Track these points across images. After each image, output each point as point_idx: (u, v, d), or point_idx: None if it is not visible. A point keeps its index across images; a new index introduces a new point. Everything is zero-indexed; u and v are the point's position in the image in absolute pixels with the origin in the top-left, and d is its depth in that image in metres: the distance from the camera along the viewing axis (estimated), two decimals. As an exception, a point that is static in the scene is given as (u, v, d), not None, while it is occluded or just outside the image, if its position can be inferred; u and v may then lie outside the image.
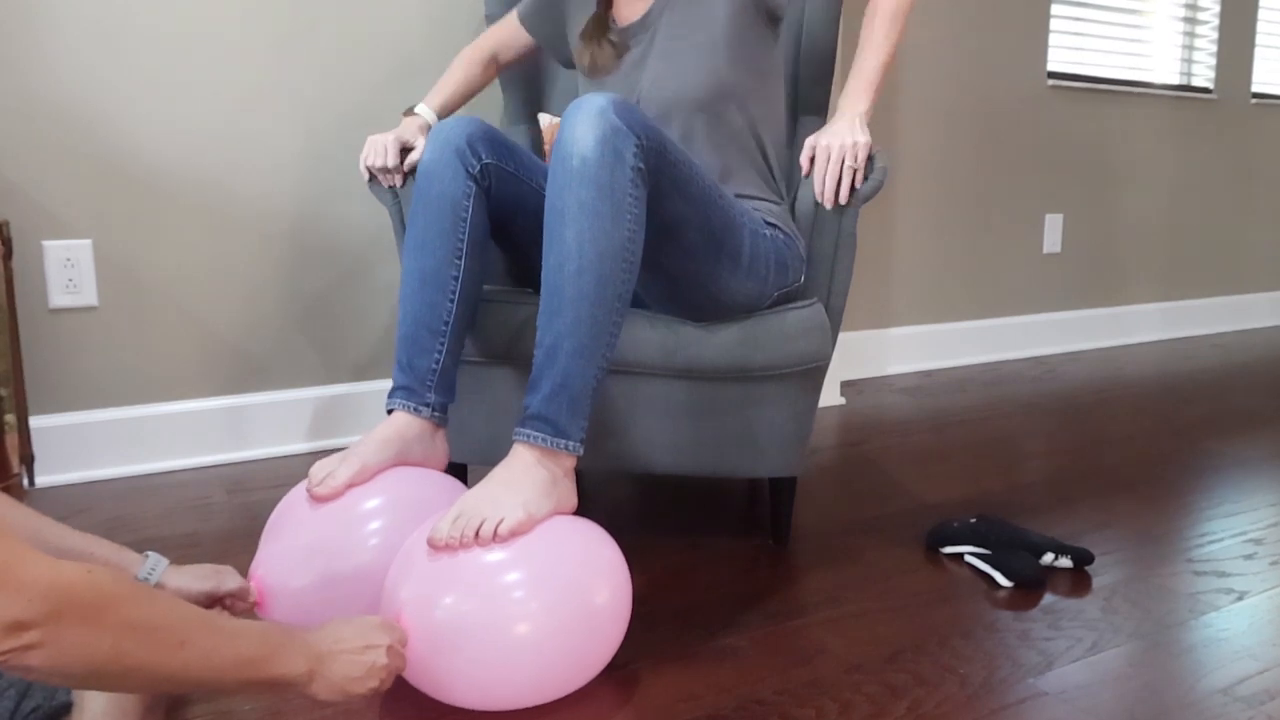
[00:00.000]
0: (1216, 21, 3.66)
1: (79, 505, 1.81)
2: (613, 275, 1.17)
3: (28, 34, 1.83)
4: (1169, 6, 3.55)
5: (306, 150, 2.09)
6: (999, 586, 1.46)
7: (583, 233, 1.16)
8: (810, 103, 1.83)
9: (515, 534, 1.07)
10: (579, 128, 1.18)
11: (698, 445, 1.50)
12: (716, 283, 1.38)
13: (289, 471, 2.01)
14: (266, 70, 2.03)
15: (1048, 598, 1.42)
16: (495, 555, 1.04)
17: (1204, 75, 3.71)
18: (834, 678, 1.19)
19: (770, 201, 1.52)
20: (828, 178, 1.45)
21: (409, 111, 1.64)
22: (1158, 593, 1.44)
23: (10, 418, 1.84)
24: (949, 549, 1.58)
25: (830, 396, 2.63)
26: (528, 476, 1.13)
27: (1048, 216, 3.35)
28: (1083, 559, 1.51)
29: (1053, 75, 3.27)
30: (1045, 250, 3.37)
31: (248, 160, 2.04)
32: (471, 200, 1.35)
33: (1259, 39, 3.85)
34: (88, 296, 1.93)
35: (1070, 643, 1.28)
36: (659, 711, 1.11)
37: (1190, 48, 3.66)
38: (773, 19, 1.50)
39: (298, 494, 1.25)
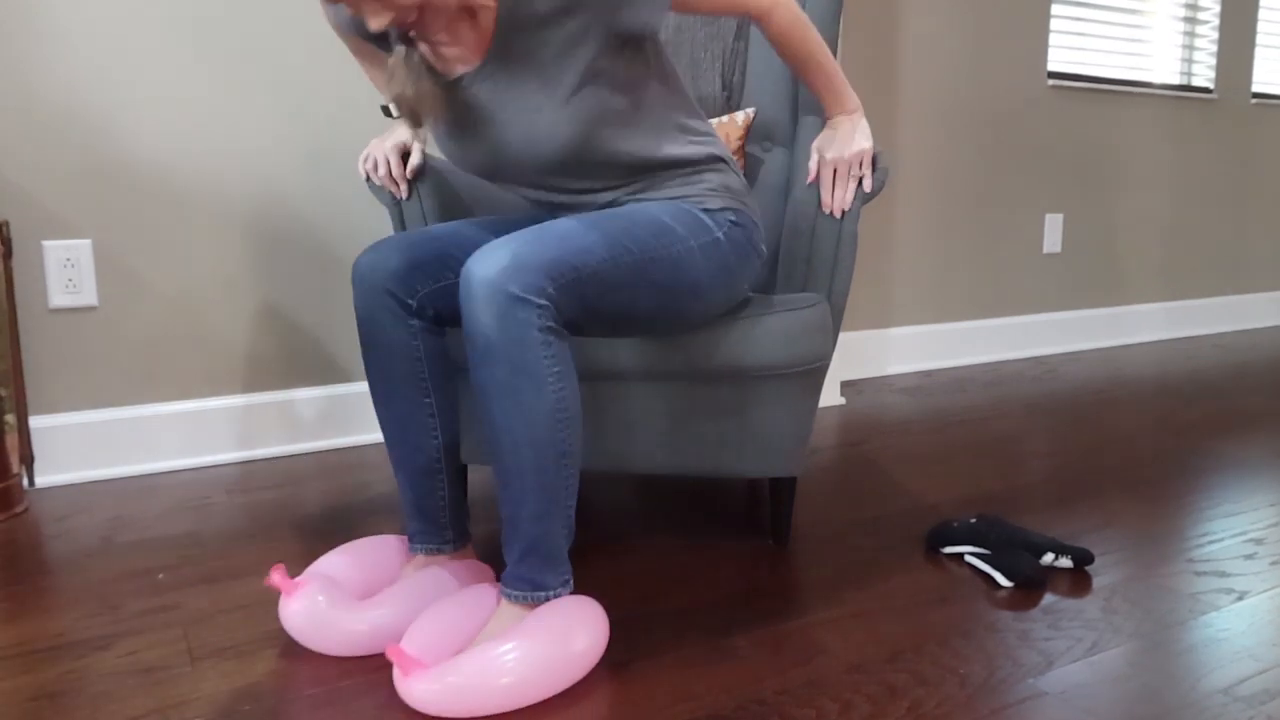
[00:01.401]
0: (1216, 21, 3.66)
1: (79, 505, 1.81)
2: (548, 440, 1.15)
3: (28, 35, 1.83)
4: (1169, 6, 3.55)
5: (306, 150, 2.09)
6: (999, 586, 1.46)
7: (507, 411, 1.14)
8: (810, 102, 1.83)
9: None
10: (476, 308, 1.11)
11: (698, 446, 1.50)
12: (688, 315, 1.34)
13: (289, 471, 2.02)
14: (266, 70, 2.03)
15: (1048, 598, 1.42)
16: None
17: (1204, 75, 3.71)
18: (834, 678, 1.19)
19: (700, 172, 1.35)
20: (837, 191, 1.43)
21: (387, 111, 1.58)
22: (1158, 593, 1.44)
23: (10, 418, 1.84)
24: (949, 549, 1.58)
25: (830, 396, 2.63)
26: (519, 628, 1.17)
27: (1048, 216, 3.35)
28: (1083, 559, 1.51)
29: (1053, 75, 3.27)
30: (1045, 250, 3.37)
31: (247, 160, 2.04)
32: (420, 338, 1.31)
33: (1259, 39, 3.85)
34: (88, 296, 1.93)
35: (1070, 643, 1.28)
36: (659, 711, 1.11)
37: (1190, 48, 3.66)
38: (637, 44, 1.25)
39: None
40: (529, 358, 1.12)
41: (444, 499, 1.35)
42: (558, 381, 1.15)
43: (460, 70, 1.25)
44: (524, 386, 1.13)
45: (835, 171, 1.43)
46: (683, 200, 1.32)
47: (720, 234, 1.31)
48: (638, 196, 1.33)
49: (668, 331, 1.38)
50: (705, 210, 1.32)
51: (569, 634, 1.16)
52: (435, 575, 1.31)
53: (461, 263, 1.33)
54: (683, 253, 1.26)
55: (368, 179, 1.58)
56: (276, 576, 1.26)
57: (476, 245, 1.35)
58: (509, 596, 1.20)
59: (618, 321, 1.27)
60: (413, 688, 1.09)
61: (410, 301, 1.30)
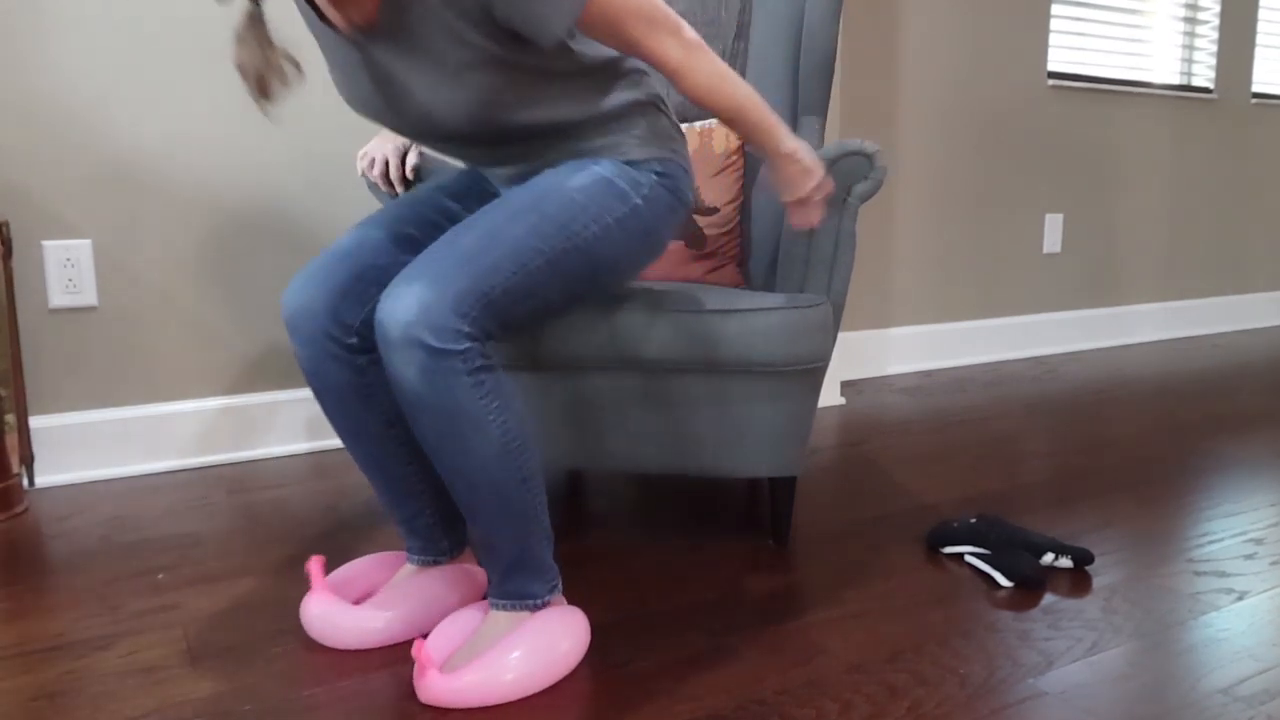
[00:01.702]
0: (1216, 21, 3.66)
1: (79, 505, 1.81)
2: (503, 474, 1.13)
3: (29, 35, 1.83)
4: (1169, 6, 3.55)
5: (306, 150, 2.09)
6: (999, 586, 1.46)
7: (455, 456, 1.11)
8: (810, 103, 1.83)
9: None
10: (396, 364, 1.07)
11: (697, 445, 1.50)
12: (611, 288, 1.30)
13: (289, 471, 2.02)
14: (266, 70, 2.03)
15: (1048, 598, 1.42)
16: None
17: (1204, 75, 3.71)
18: (834, 678, 1.19)
19: (628, 119, 1.26)
20: (812, 216, 1.30)
21: None
22: (1158, 593, 1.44)
23: (10, 418, 1.84)
24: (949, 549, 1.58)
25: (830, 396, 2.63)
26: (508, 644, 1.17)
27: (1048, 216, 3.35)
28: (1083, 559, 1.51)
29: (1053, 75, 3.27)
30: (1045, 250, 3.37)
31: (247, 160, 2.04)
32: (369, 373, 1.25)
33: (1259, 39, 3.85)
34: (88, 296, 1.93)
35: (1070, 643, 1.28)
36: (659, 711, 1.11)
37: (1190, 48, 3.66)
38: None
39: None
40: (463, 404, 1.08)
41: (432, 515, 1.34)
42: (499, 415, 1.11)
43: (358, 23, 1.17)
44: (466, 432, 1.10)
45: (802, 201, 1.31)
46: (607, 154, 1.24)
47: (639, 199, 1.23)
48: (562, 149, 1.25)
49: (591, 304, 1.41)
50: (630, 163, 1.24)
51: (555, 640, 1.19)
52: (428, 578, 1.34)
53: (383, 271, 1.26)
54: (597, 234, 1.20)
55: (364, 176, 1.58)
56: (314, 568, 1.29)
57: (387, 249, 1.28)
58: (500, 607, 1.21)
59: (540, 319, 1.22)
60: (432, 686, 1.11)
61: (350, 340, 1.23)
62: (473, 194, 1.38)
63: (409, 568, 1.36)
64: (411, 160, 1.53)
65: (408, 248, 1.29)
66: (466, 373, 1.08)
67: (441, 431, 1.10)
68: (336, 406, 1.27)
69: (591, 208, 1.20)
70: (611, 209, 1.21)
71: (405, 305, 1.06)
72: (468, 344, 1.08)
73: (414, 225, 1.31)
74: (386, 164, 1.52)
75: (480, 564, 1.24)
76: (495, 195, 1.39)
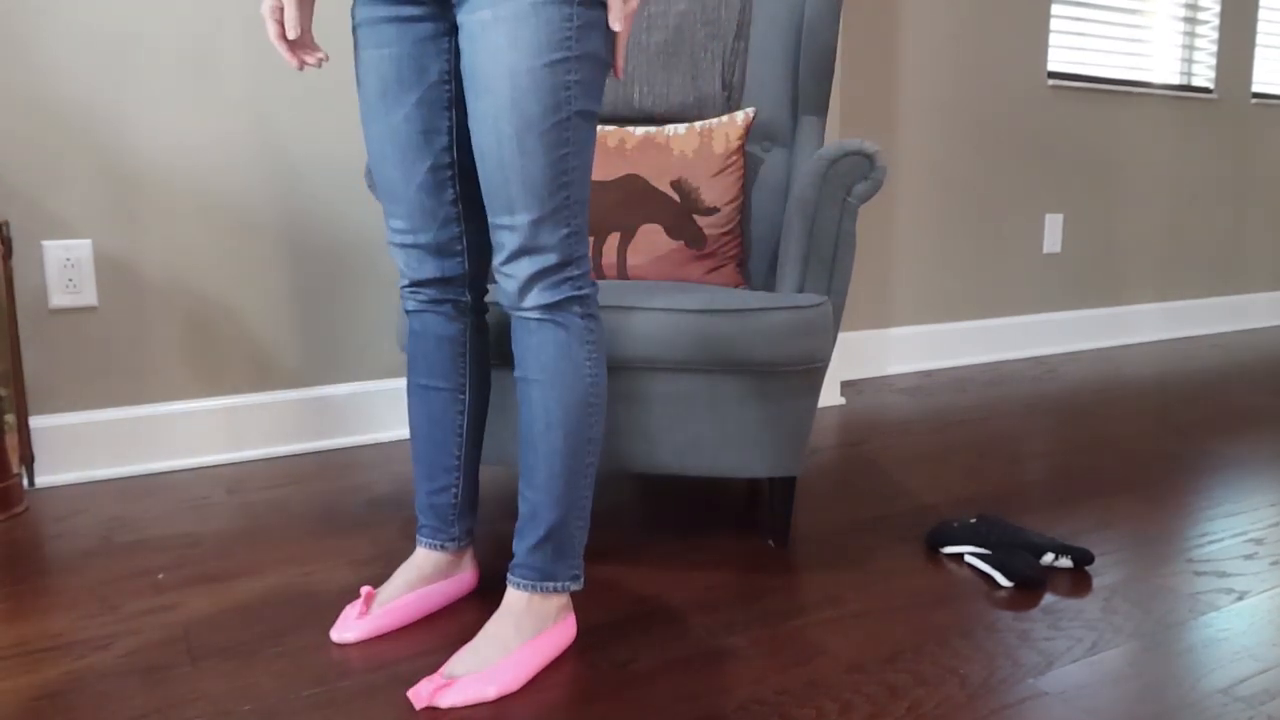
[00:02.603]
0: (1216, 21, 3.66)
1: (79, 505, 1.81)
2: (579, 426, 1.19)
3: (29, 36, 1.83)
4: (1169, 6, 3.55)
5: (306, 150, 2.09)
6: (999, 586, 1.46)
7: (549, 397, 1.18)
8: (810, 103, 1.83)
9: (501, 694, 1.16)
10: (520, 328, 1.18)
11: (697, 445, 1.50)
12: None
13: (289, 471, 2.02)
14: (266, 70, 2.03)
15: (1048, 598, 1.42)
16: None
17: (1204, 75, 3.71)
18: (834, 678, 1.19)
19: None
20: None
21: None
22: (1158, 593, 1.44)
23: (10, 418, 1.84)
24: (949, 549, 1.58)
25: (830, 396, 2.63)
26: (517, 633, 1.21)
27: (1048, 216, 3.35)
28: (1083, 559, 1.51)
29: (1053, 75, 3.27)
30: (1045, 250, 3.37)
31: (247, 160, 2.04)
32: (469, 334, 1.32)
33: (1259, 39, 3.85)
34: (88, 296, 1.93)
35: (1070, 643, 1.28)
36: (659, 711, 1.11)
37: (1190, 48, 3.66)
38: None
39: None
40: (573, 348, 1.18)
41: (456, 496, 1.36)
42: (594, 369, 1.20)
43: None
44: (566, 371, 1.17)
45: None
46: None
47: (573, 8, 1.09)
48: None
49: None
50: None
51: (545, 652, 1.23)
52: (429, 565, 1.37)
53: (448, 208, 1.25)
54: (579, 78, 1.11)
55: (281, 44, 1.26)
56: (365, 591, 1.32)
57: (431, 189, 1.24)
58: (515, 584, 1.23)
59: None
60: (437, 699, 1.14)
61: (465, 299, 1.31)
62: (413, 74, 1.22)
63: (419, 549, 1.38)
64: (289, 16, 1.19)
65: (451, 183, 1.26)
66: (581, 315, 1.18)
67: (545, 365, 1.17)
68: (426, 353, 1.31)
69: (554, 56, 1.09)
70: (564, 37, 1.09)
71: (518, 270, 1.15)
72: (579, 291, 1.17)
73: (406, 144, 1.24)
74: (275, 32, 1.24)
75: (515, 542, 1.24)
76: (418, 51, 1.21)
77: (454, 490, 1.36)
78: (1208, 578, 1.49)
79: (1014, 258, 3.30)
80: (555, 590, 1.23)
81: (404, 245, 1.27)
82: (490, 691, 1.14)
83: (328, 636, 1.29)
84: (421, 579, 1.36)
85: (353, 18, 1.23)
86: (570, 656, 1.24)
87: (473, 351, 1.34)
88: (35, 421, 1.91)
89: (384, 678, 1.19)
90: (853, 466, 2.07)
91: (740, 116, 1.78)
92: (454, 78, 1.22)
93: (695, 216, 1.75)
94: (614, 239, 1.74)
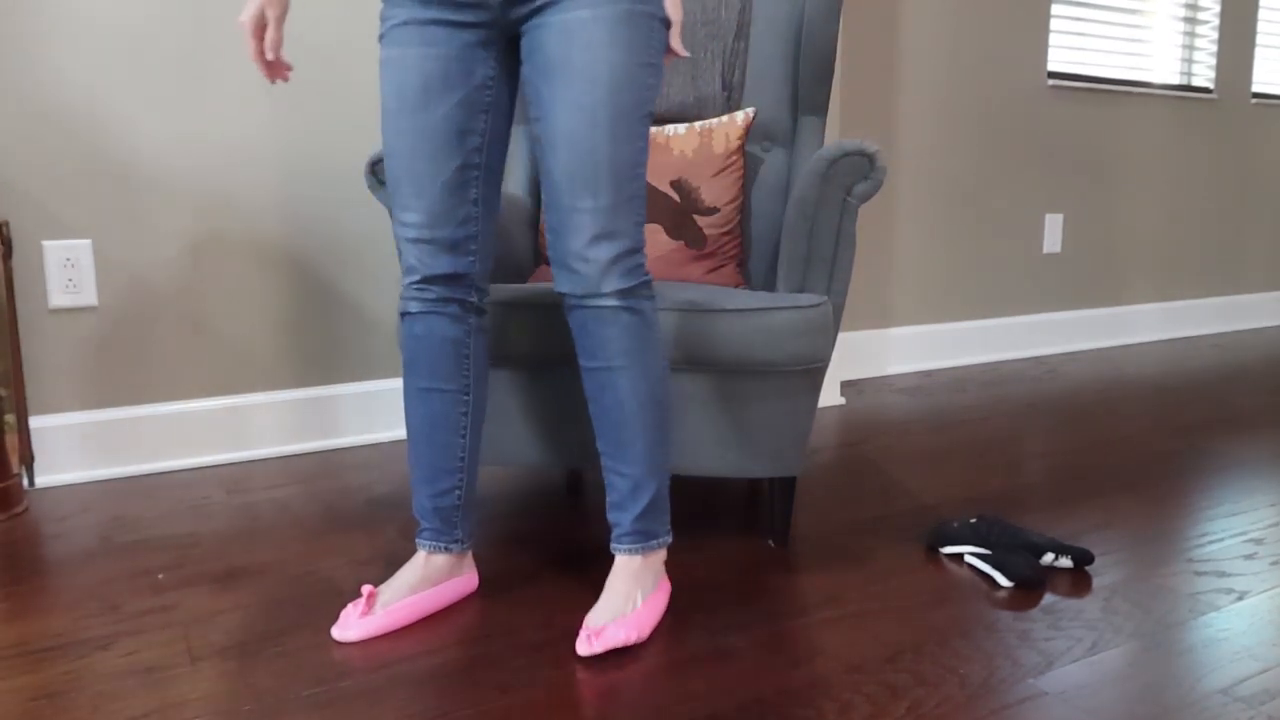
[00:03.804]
0: (1216, 21, 3.66)
1: (79, 505, 1.81)
2: (662, 395, 1.30)
3: (29, 36, 1.83)
4: (1169, 6, 3.55)
5: (306, 150, 2.09)
6: (999, 586, 1.46)
7: (634, 376, 1.26)
8: (810, 103, 1.83)
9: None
10: (597, 314, 1.23)
11: (697, 445, 1.50)
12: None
13: (289, 471, 2.02)
14: (266, 70, 2.03)
15: (1048, 598, 1.42)
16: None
17: (1204, 75, 3.71)
18: (834, 678, 1.19)
19: None
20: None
21: None
22: (1158, 593, 1.44)
23: (10, 418, 1.84)
24: (949, 549, 1.58)
25: (830, 396, 2.63)
26: (640, 588, 1.32)
27: (1048, 216, 3.35)
28: (1083, 559, 1.51)
29: (1053, 75, 3.27)
30: (1045, 250, 3.37)
31: (247, 160, 2.04)
32: (472, 335, 1.33)
33: (1259, 39, 3.85)
34: (88, 296, 1.93)
35: (1070, 643, 1.28)
36: (659, 711, 1.11)
37: (1190, 48, 3.66)
38: None
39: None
40: (648, 330, 1.26)
41: (459, 498, 1.37)
42: (661, 346, 1.29)
43: None
44: (647, 353, 1.26)
45: None
46: None
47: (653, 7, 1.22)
48: None
49: None
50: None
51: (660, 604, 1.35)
52: (431, 568, 1.37)
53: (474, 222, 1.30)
54: (655, 83, 1.25)
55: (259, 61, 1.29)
56: (367, 590, 1.33)
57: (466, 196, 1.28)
58: (628, 551, 1.32)
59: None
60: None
61: (471, 299, 1.32)
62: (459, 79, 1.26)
63: (419, 554, 1.38)
64: (270, 37, 1.23)
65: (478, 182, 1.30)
66: (648, 298, 1.26)
67: (629, 352, 1.25)
68: (429, 355, 1.31)
69: (646, 59, 1.22)
70: (652, 46, 1.23)
71: (599, 254, 1.21)
72: (649, 275, 1.26)
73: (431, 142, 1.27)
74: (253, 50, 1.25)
75: (616, 516, 1.32)
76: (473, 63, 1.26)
77: (457, 492, 1.36)
78: (1208, 578, 1.49)
79: (1014, 258, 3.30)
80: (659, 546, 1.33)
81: (418, 240, 1.27)
82: (632, 636, 1.25)
83: (328, 636, 1.29)
84: (424, 581, 1.36)
85: (389, 16, 1.25)
86: (571, 657, 1.24)
87: (476, 351, 1.34)
88: (35, 421, 1.91)
89: (384, 678, 1.19)
90: (853, 466, 2.07)
91: (740, 116, 1.78)
92: (494, 84, 1.28)
93: (695, 216, 1.75)
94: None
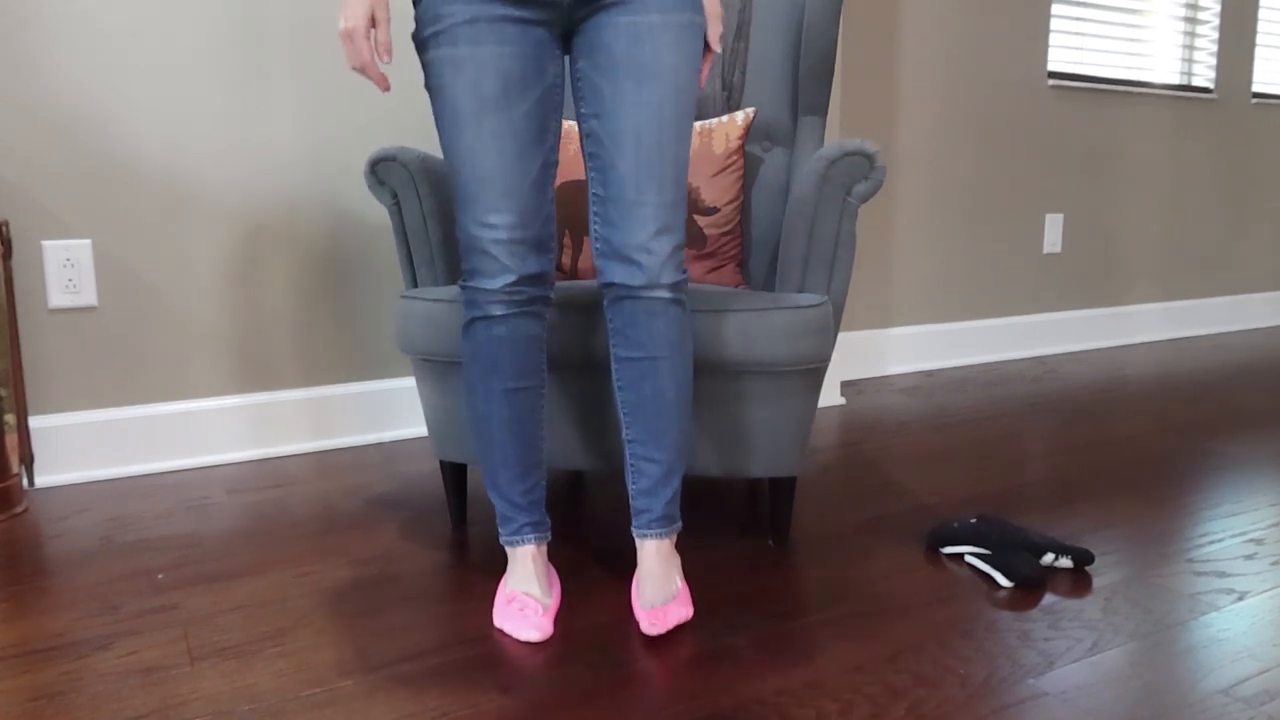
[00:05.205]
0: (1216, 21, 3.66)
1: (79, 505, 1.81)
2: (692, 389, 1.36)
3: (29, 35, 1.83)
4: (1169, 6, 3.55)
5: (306, 150, 2.09)
6: (999, 586, 1.46)
7: (676, 368, 1.30)
8: (810, 103, 1.83)
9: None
10: (651, 307, 1.26)
11: (697, 445, 1.50)
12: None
13: (289, 471, 2.02)
14: (267, 69, 2.03)
15: (1048, 598, 1.42)
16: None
17: (1204, 75, 3.71)
18: (834, 678, 1.19)
19: None
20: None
21: None
22: (1158, 593, 1.44)
23: (10, 418, 1.84)
24: (949, 549, 1.58)
25: (830, 396, 2.63)
26: (676, 569, 1.37)
27: (1048, 216, 3.35)
28: (1083, 559, 1.51)
29: (1053, 75, 3.27)
30: (1045, 250, 3.37)
31: (247, 160, 2.04)
32: (545, 330, 1.35)
33: (1259, 39, 3.85)
34: (88, 296, 1.93)
35: (1070, 643, 1.28)
36: (659, 711, 1.11)
37: (1190, 48, 3.66)
38: None
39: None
40: (687, 324, 1.31)
41: (543, 490, 1.39)
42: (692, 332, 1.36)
43: None
44: (687, 345, 1.31)
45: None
46: None
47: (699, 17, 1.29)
48: None
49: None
50: None
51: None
52: (544, 558, 1.41)
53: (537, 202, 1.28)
54: (697, 74, 1.30)
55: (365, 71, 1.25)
56: (531, 603, 1.34)
57: (525, 185, 1.27)
58: (658, 535, 1.34)
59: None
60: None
61: (550, 295, 1.33)
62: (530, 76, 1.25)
63: (529, 549, 1.38)
64: (381, 37, 1.21)
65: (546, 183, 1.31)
66: (687, 294, 1.31)
67: (672, 343, 1.29)
68: (519, 357, 1.31)
69: (698, 66, 1.29)
70: (700, 53, 1.29)
71: (658, 249, 1.25)
72: (686, 270, 1.31)
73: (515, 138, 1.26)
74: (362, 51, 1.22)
75: (645, 503, 1.34)
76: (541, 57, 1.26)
77: (543, 484, 1.39)
78: (1208, 578, 1.49)
79: (1014, 258, 3.30)
80: (678, 530, 1.37)
81: (510, 240, 1.25)
82: (689, 613, 1.32)
83: (328, 636, 1.29)
84: (548, 570, 1.41)
85: (447, 15, 1.20)
86: (570, 657, 1.24)
87: (545, 346, 1.36)
88: (35, 421, 1.91)
89: (384, 678, 1.19)
90: (853, 466, 2.07)
91: (740, 116, 1.78)
92: (562, 80, 1.29)
93: (695, 216, 1.75)
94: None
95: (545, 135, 1.27)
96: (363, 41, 1.18)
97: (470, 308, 1.29)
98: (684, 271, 1.29)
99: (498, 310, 1.27)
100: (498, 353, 1.29)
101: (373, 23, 1.19)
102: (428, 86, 1.26)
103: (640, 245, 1.24)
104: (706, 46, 1.32)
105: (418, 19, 1.24)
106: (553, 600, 1.37)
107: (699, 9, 1.27)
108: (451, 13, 1.20)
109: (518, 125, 1.24)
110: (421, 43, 1.24)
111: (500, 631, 1.31)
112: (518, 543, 1.38)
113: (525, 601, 1.32)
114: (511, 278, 1.26)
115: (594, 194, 1.28)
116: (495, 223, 1.25)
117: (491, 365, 1.30)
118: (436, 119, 1.26)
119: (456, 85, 1.22)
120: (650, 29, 1.22)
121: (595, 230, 1.28)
